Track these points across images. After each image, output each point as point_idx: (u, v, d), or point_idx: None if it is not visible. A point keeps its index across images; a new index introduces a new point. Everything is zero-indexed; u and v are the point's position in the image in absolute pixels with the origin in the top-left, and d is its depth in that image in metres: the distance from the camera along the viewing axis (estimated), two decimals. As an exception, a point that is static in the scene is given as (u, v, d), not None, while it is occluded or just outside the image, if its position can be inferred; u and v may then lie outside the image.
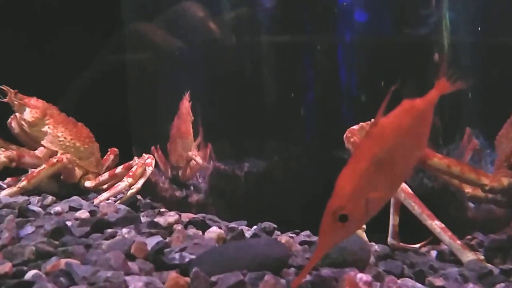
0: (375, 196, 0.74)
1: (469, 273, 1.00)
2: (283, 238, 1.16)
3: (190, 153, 1.92)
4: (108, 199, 1.63)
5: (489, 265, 1.08)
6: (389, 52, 1.53)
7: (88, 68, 2.31)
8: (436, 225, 1.13)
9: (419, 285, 0.92)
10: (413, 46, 1.54)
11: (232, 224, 1.36)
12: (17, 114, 1.82)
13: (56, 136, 1.80)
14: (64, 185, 1.76)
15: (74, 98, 2.28)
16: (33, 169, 1.68)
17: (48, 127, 1.81)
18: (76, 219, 1.27)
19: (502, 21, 1.65)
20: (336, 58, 1.62)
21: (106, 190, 1.70)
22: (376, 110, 0.76)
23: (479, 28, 1.66)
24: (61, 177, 1.75)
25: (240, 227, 1.26)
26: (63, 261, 0.88)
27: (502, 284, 0.92)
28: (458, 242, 1.12)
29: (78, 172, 1.79)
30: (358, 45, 1.59)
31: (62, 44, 2.23)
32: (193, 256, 0.93)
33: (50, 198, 1.52)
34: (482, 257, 1.10)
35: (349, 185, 0.73)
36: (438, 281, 0.94)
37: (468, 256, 1.09)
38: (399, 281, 0.91)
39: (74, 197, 1.52)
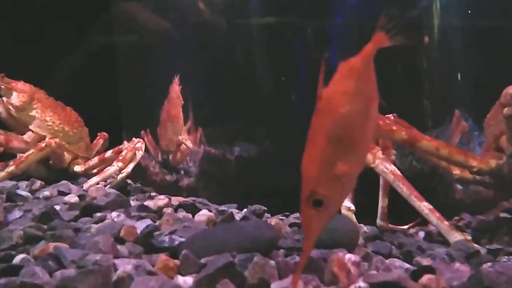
0: (344, 170, 0.69)
1: (456, 253, 1.01)
2: (273, 220, 1.17)
3: (180, 137, 1.92)
4: (98, 183, 1.62)
5: (476, 245, 1.09)
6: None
7: (77, 51, 2.27)
8: (424, 206, 1.14)
9: (406, 265, 0.93)
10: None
11: (222, 207, 1.36)
12: (4, 98, 1.80)
13: (44, 120, 1.78)
14: (53, 170, 1.75)
15: (62, 82, 2.25)
16: (21, 154, 1.67)
17: (36, 112, 1.79)
18: (65, 203, 1.27)
19: (492, 4, 1.65)
20: (328, 41, 1.61)
21: (96, 174, 1.69)
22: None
23: (469, 11, 1.65)
24: (50, 162, 1.74)
25: (230, 210, 1.26)
26: (51, 245, 0.88)
27: (489, 264, 0.92)
28: (446, 223, 1.13)
29: (68, 156, 1.78)
30: (351, 28, 1.58)
31: (49, 27, 2.19)
32: (182, 239, 0.93)
33: (38, 183, 1.51)
34: (469, 238, 1.12)
35: (314, 168, 0.69)
36: (425, 261, 0.95)
37: (455, 237, 1.11)
38: (387, 261, 0.92)
39: (63, 182, 1.51)
